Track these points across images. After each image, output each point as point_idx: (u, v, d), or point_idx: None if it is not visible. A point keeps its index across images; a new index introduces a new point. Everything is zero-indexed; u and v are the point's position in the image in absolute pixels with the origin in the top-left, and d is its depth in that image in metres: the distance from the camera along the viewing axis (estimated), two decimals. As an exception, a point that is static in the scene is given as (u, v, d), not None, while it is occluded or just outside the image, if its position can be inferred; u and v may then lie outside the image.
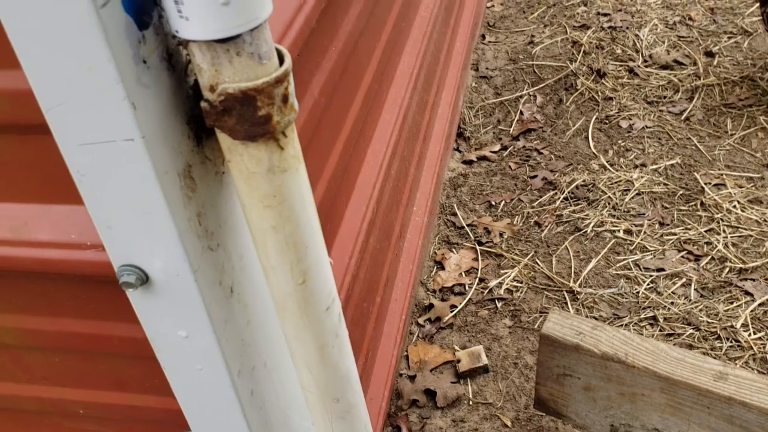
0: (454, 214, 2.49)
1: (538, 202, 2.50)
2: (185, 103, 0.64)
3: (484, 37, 3.48)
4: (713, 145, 2.63)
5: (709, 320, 2.00)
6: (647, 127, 2.75)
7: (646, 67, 3.07)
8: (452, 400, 1.90)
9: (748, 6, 3.36)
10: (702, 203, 2.37)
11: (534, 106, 2.97)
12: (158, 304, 0.73)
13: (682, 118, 2.78)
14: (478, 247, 2.35)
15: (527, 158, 2.71)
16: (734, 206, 2.34)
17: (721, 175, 2.48)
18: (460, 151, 2.80)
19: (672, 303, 2.06)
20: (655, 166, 2.56)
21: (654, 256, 2.22)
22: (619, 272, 2.19)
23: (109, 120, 0.58)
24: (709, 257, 2.19)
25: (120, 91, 0.56)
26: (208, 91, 0.59)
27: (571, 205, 2.46)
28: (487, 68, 3.23)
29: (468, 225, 2.44)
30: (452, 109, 2.60)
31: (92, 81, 0.55)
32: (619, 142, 2.71)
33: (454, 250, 2.36)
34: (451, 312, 2.14)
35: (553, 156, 2.69)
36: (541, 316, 2.10)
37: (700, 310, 2.03)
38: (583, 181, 2.54)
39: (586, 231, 2.34)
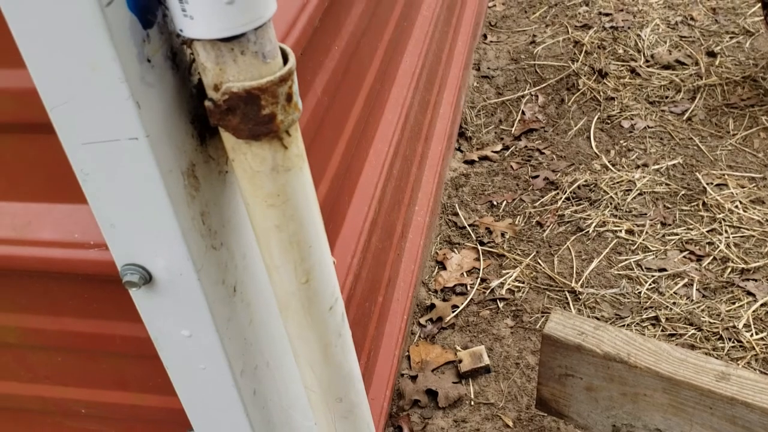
0: (456, 214, 2.49)
1: (539, 202, 2.50)
2: (189, 102, 0.64)
3: (485, 36, 3.48)
4: (715, 145, 2.62)
5: (711, 320, 2.00)
6: (649, 127, 2.75)
7: (647, 67, 3.07)
8: (454, 401, 1.90)
9: (750, 6, 3.35)
10: (704, 203, 2.37)
11: (536, 105, 2.97)
12: (161, 303, 0.73)
13: (684, 118, 2.77)
14: (479, 247, 2.35)
15: (529, 158, 2.71)
16: (736, 206, 2.34)
17: (723, 175, 2.48)
18: (461, 151, 2.79)
19: (674, 303, 2.06)
20: (657, 166, 2.56)
21: (656, 257, 2.22)
22: (621, 272, 2.19)
23: (113, 119, 0.58)
24: (711, 257, 2.19)
25: (124, 90, 0.55)
26: (212, 90, 0.59)
27: (572, 205, 2.46)
28: (488, 68, 3.23)
29: (470, 225, 2.44)
30: (454, 109, 2.60)
31: (96, 80, 0.55)
32: (621, 142, 2.70)
33: (455, 250, 2.36)
34: (453, 312, 2.14)
35: (554, 156, 2.69)
36: (542, 316, 2.10)
37: (702, 311, 2.03)
38: (585, 181, 2.53)
39: (588, 231, 2.34)
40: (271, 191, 0.64)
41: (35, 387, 1.10)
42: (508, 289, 2.19)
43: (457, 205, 2.53)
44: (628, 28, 3.32)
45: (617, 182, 2.51)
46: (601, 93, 2.95)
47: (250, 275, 0.78)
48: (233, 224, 0.74)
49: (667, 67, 3.05)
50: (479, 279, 2.24)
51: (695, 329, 1.99)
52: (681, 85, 2.94)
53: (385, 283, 1.75)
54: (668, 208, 2.38)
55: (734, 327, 1.97)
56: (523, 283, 2.21)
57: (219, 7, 0.53)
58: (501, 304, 2.14)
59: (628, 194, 2.46)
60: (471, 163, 2.73)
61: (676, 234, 2.28)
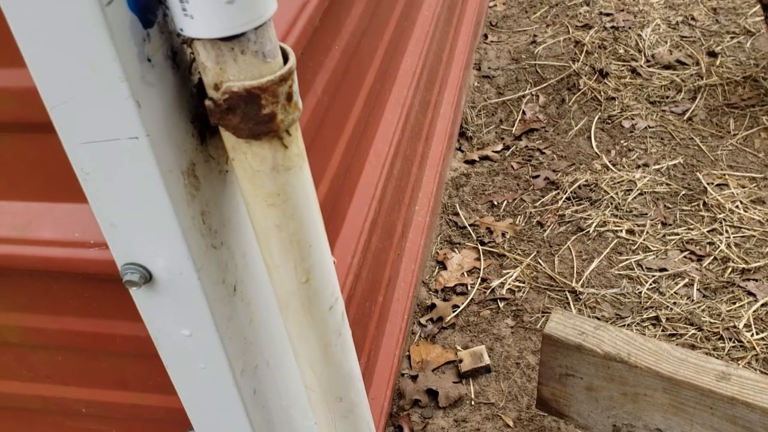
0: (457, 214, 2.49)
1: (540, 202, 2.50)
2: (189, 102, 0.64)
3: (486, 36, 3.48)
4: (716, 145, 2.62)
5: (712, 320, 2.00)
6: (650, 127, 2.75)
7: (648, 67, 3.07)
8: (454, 400, 1.90)
9: (751, 6, 3.35)
10: (704, 203, 2.37)
11: (536, 105, 2.96)
12: (161, 302, 0.73)
13: (685, 118, 2.77)
14: (480, 247, 2.35)
15: (530, 158, 2.71)
16: (737, 206, 2.34)
17: (724, 175, 2.48)
18: (462, 151, 2.79)
19: (674, 303, 2.06)
20: (657, 166, 2.56)
21: (656, 256, 2.22)
22: (621, 272, 2.19)
23: (113, 118, 0.58)
24: (712, 257, 2.19)
25: (125, 90, 0.56)
26: (212, 90, 0.59)
27: (573, 205, 2.45)
28: (489, 68, 3.23)
29: (470, 225, 2.44)
30: (454, 109, 2.60)
31: (97, 79, 0.55)
32: (622, 142, 2.70)
33: (456, 249, 2.36)
34: (453, 312, 2.14)
35: (555, 156, 2.69)
36: (543, 316, 2.10)
37: (703, 311, 2.03)
38: (586, 181, 2.53)
39: (589, 231, 2.34)
40: (271, 190, 0.64)
41: (36, 386, 1.11)
42: (509, 288, 2.19)
43: (457, 205, 2.53)
44: (629, 28, 3.32)
45: (618, 182, 2.51)
46: (602, 93, 2.95)
47: (250, 274, 0.79)
48: (233, 223, 0.74)
49: (667, 67, 3.05)
50: (480, 279, 2.24)
51: (696, 329, 1.99)
52: (682, 85, 2.93)
53: (385, 283, 1.75)
54: (669, 208, 2.38)
55: (735, 327, 1.97)
56: (524, 282, 2.21)
57: (219, 7, 0.53)
58: (501, 304, 2.14)
59: (629, 194, 2.46)
60: (472, 162, 2.73)
61: (677, 234, 2.28)
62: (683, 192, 2.43)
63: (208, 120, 0.63)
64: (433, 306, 2.17)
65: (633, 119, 2.80)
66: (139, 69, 0.56)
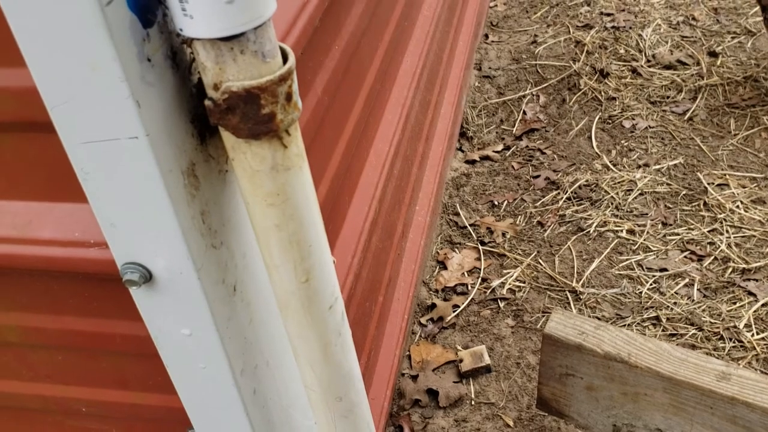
0: (457, 214, 2.49)
1: (540, 202, 2.50)
2: (189, 102, 0.64)
3: (487, 36, 3.48)
4: (716, 145, 2.62)
5: (712, 320, 2.00)
6: (650, 127, 2.75)
7: (649, 67, 3.07)
8: (454, 400, 1.90)
9: (752, 6, 3.35)
10: (705, 203, 2.37)
11: (537, 105, 2.96)
12: (161, 302, 0.73)
13: (686, 118, 2.77)
14: (480, 247, 2.35)
15: (530, 158, 2.71)
16: (737, 206, 2.34)
17: (724, 175, 2.48)
18: (462, 151, 2.79)
19: (675, 303, 2.06)
20: (658, 166, 2.56)
21: (657, 257, 2.22)
22: (621, 272, 2.19)
23: (113, 118, 0.58)
24: (712, 257, 2.19)
25: (124, 90, 0.56)
26: (212, 90, 0.59)
27: (573, 205, 2.45)
28: (490, 68, 3.23)
29: (470, 225, 2.44)
30: (455, 109, 2.60)
31: (97, 79, 0.55)
32: (622, 142, 2.70)
33: (456, 249, 2.36)
34: (454, 312, 2.14)
35: (556, 156, 2.69)
36: (543, 316, 2.10)
37: (703, 311, 2.03)
38: (586, 181, 2.53)
39: (589, 231, 2.34)
40: (270, 190, 0.64)
41: (36, 386, 1.11)
42: (509, 288, 2.19)
43: (458, 205, 2.53)
44: (630, 28, 3.32)
45: (618, 182, 2.51)
46: (603, 93, 2.95)
47: (250, 274, 0.79)
48: (233, 223, 0.74)
49: (668, 67, 3.05)
50: (480, 279, 2.24)
51: (696, 329, 1.99)
52: (682, 85, 2.93)
53: (385, 283, 1.75)
54: (669, 208, 2.38)
55: (735, 327, 1.97)
56: (524, 282, 2.21)
57: (219, 7, 0.54)
58: (502, 304, 2.14)
59: (629, 194, 2.46)
60: (472, 162, 2.73)
61: (677, 234, 2.28)
62: (684, 192, 2.43)
63: (207, 120, 0.63)
64: (433, 306, 2.17)
65: (633, 119, 2.80)
66: (139, 69, 0.56)
